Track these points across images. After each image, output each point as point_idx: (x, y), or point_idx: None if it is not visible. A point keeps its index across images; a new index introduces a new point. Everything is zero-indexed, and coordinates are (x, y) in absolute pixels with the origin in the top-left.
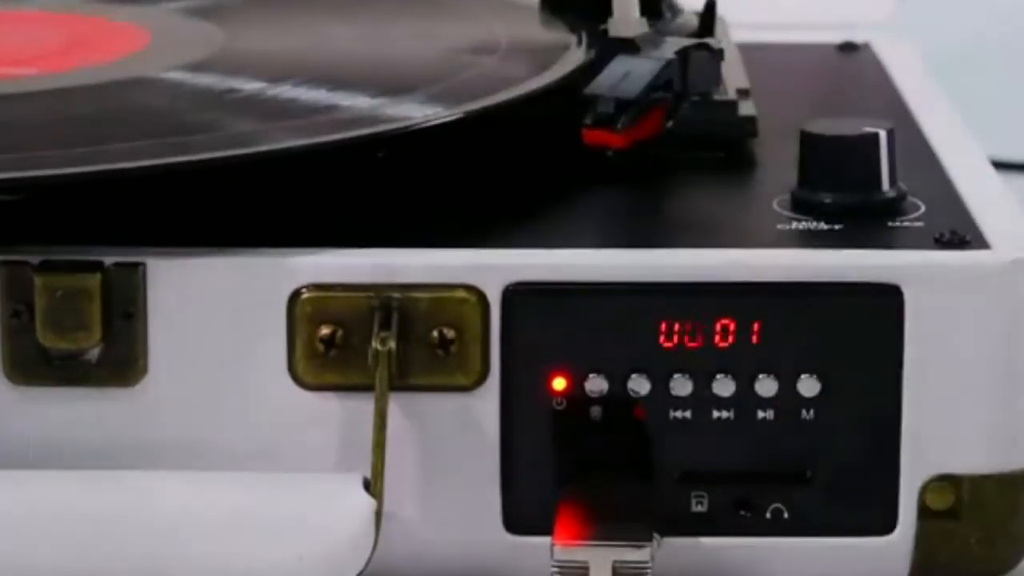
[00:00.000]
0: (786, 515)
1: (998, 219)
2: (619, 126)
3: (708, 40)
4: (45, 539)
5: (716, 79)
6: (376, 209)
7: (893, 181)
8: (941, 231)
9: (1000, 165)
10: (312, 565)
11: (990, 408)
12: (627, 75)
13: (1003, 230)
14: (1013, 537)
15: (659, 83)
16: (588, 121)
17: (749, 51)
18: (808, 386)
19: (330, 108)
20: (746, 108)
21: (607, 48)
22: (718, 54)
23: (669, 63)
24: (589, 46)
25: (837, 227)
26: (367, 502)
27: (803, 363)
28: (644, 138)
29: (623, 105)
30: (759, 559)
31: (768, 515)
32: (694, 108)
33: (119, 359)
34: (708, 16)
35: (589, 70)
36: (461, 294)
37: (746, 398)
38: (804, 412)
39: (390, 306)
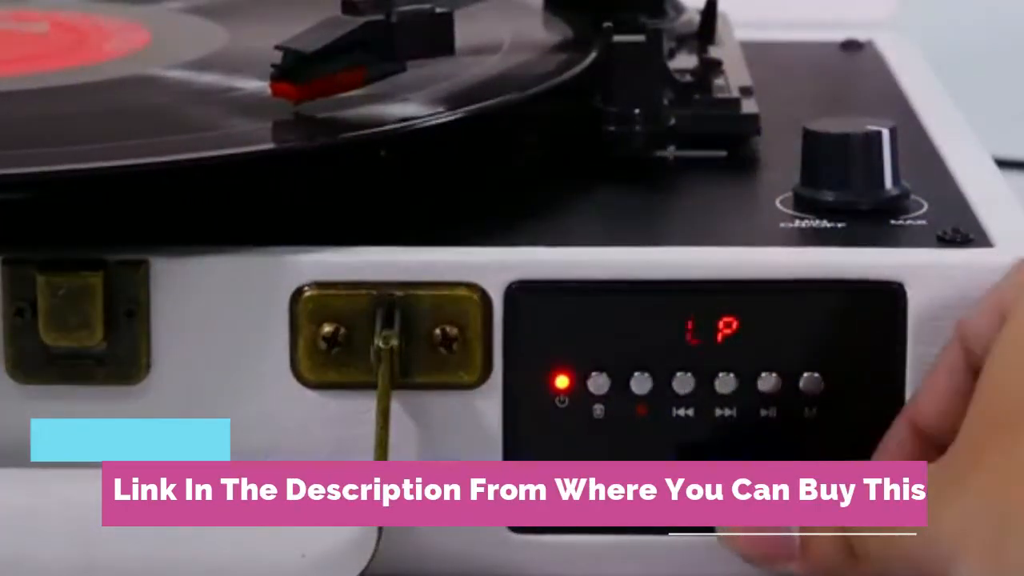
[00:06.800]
0: None
1: (1001, 217)
2: (297, 80)
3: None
4: (43, 534)
5: (439, 47)
6: (379, 208)
7: (896, 179)
8: (944, 229)
9: (1002, 164)
10: (315, 563)
11: None
12: (320, 33)
13: (1006, 228)
14: None
15: (344, 44)
16: (272, 73)
17: (752, 49)
18: (811, 384)
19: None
20: (749, 106)
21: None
22: (441, 18)
23: (363, 26)
24: (592, 45)
25: (840, 225)
26: None
27: (806, 361)
28: (329, 95)
29: (306, 60)
30: None
31: None
32: (697, 106)
33: (122, 357)
34: (709, 14)
35: (591, 70)
36: (463, 292)
37: (749, 395)
38: (807, 410)
39: (392, 304)
